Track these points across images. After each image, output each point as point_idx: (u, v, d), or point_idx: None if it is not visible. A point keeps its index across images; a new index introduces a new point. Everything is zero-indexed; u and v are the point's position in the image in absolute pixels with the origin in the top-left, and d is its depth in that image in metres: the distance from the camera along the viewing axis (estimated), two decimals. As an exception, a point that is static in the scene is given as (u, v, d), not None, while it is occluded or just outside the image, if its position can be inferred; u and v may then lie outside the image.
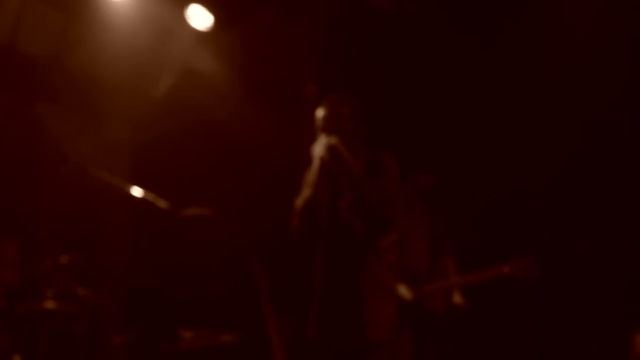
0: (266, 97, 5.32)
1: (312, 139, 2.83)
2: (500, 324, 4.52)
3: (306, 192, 2.77)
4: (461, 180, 4.55)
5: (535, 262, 3.82)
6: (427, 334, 3.89)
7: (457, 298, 4.01)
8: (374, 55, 4.87)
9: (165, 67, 5.14)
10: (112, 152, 5.15)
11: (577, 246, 4.42)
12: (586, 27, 4.23)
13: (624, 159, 4.30)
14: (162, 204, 3.92)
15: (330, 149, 2.66)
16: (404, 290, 3.85)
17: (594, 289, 4.29)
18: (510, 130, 4.55)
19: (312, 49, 5.12)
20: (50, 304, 3.80)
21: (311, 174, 2.76)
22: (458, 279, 3.96)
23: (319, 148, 2.70)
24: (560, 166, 4.47)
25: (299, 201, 2.81)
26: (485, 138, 4.64)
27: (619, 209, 4.33)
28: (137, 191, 3.89)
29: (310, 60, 5.17)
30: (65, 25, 4.62)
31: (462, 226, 4.24)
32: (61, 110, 4.89)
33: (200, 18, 4.67)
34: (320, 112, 2.83)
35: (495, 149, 4.61)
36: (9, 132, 4.69)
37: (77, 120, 4.94)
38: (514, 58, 4.49)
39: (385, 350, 2.71)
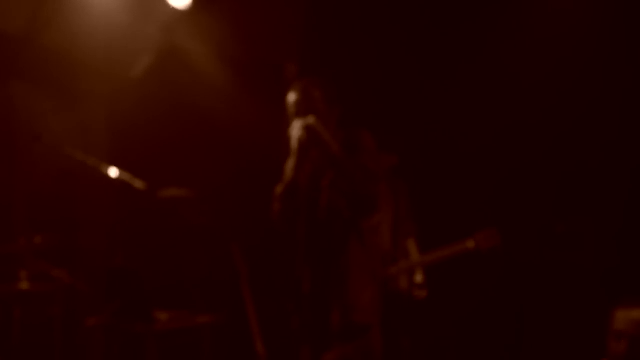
0: (246, 77, 5.26)
1: (289, 124, 2.80)
2: (477, 306, 4.54)
3: (287, 176, 2.74)
4: (425, 160, 4.53)
5: (498, 233, 3.82)
6: (395, 316, 3.88)
7: (418, 278, 3.99)
8: (356, 36, 4.83)
9: (142, 45, 5.05)
10: (87, 132, 5.07)
11: (555, 228, 4.44)
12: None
13: (602, 139, 4.31)
14: (139, 184, 3.87)
15: (306, 128, 2.63)
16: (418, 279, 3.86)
17: (572, 269, 4.32)
18: (481, 108, 4.53)
19: (292, 28, 5.07)
20: (24, 285, 3.75)
21: (290, 159, 2.72)
22: (423, 258, 3.95)
23: (295, 130, 2.67)
24: (537, 148, 4.47)
25: (280, 186, 2.78)
26: (455, 118, 4.63)
27: (596, 189, 4.35)
28: (113, 171, 3.83)
29: (291, 39, 5.12)
30: (39, 1, 4.52)
31: (427, 207, 4.22)
32: (35, 88, 4.79)
33: (178, -4, 4.59)
34: (292, 97, 2.80)
35: (467, 129, 4.60)
36: (-20, 111, 4.60)
37: (51, 98, 4.85)
38: (500, 39, 4.48)
39: (368, 334, 2.69)
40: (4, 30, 4.52)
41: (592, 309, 4.19)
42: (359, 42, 4.82)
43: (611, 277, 4.22)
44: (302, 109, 2.73)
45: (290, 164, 2.74)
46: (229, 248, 4.75)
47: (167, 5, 4.65)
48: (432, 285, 4.28)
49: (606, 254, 4.31)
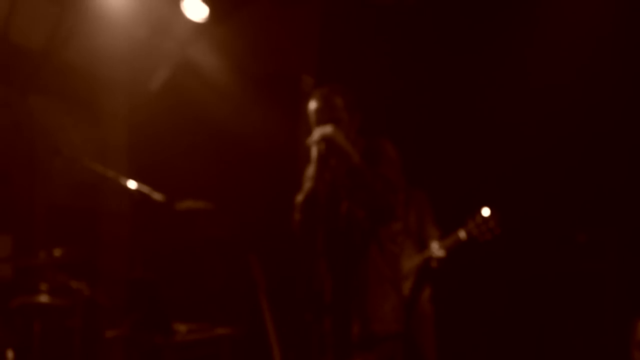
0: (263, 89, 5.29)
1: (310, 132, 2.79)
2: (497, 315, 4.49)
3: (306, 185, 2.73)
4: (443, 167, 4.49)
5: (496, 215, 3.78)
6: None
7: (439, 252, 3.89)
8: (371, 47, 4.84)
9: (160, 59, 5.11)
10: (107, 145, 5.11)
11: (576, 238, 4.39)
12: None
13: (625, 148, 4.27)
14: (157, 197, 3.88)
15: (326, 139, 2.62)
16: (435, 248, 3.79)
17: (594, 279, 4.26)
18: (502, 115, 4.50)
19: (308, 40, 5.09)
20: (44, 298, 3.77)
21: (310, 167, 2.71)
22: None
23: (315, 139, 2.66)
24: (558, 157, 4.44)
25: (300, 196, 2.77)
26: (474, 125, 4.61)
27: (617, 198, 4.30)
28: (132, 184, 3.85)
29: (307, 51, 5.14)
30: (59, 16, 4.58)
31: (445, 215, 4.17)
32: (55, 102, 4.85)
33: (195, 10, 4.63)
34: (312, 105, 2.78)
35: (488, 136, 4.57)
36: (1, 125, 4.65)
37: (71, 112, 4.90)
38: (510, 41, 4.46)
39: (390, 344, 2.66)
40: (24, 45, 4.59)
41: (614, 319, 4.14)
42: (375, 53, 4.83)
43: (633, 287, 4.16)
44: (323, 117, 2.72)
45: (309, 173, 2.73)
46: (247, 259, 4.75)
47: (185, 20, 4.70)
48: (452, 295, 4.26)
49: (628, 263, 4.25)
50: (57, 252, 3.86)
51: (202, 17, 4.66)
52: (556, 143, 4.43)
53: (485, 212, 3.82)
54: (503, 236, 3.85)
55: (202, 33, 4.93)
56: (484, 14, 4.61)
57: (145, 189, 3.94)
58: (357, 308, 2.65)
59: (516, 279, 4.42)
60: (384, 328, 2.64)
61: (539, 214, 4.45)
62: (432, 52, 4.68)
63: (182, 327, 3.67)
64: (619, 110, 4.29)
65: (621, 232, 4.28)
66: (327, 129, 2.64)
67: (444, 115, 4.69)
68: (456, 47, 4.63)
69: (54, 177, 4.66)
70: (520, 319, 4.46)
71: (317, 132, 2.66)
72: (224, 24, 4.92)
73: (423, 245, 4.01)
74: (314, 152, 2.66)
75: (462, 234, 3.83)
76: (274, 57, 5.28)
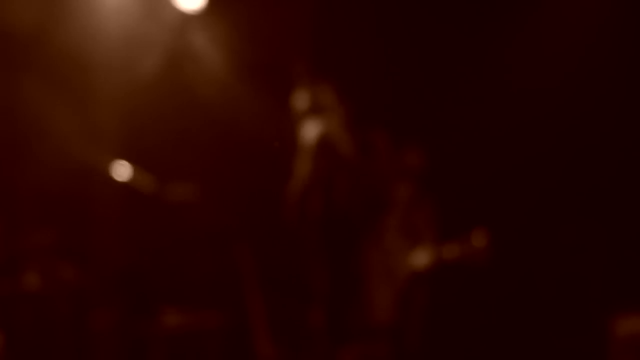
0: (256, 77, 5.26)
1: (296, 127, 2.80)
2: (481, 311, 4.50)
3: (299, 178, 2.73)
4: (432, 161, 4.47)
5: (487, 247, 3.73)
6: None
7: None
8: (366, 36, 4.82)
9: (153, 47, 5.07)
10: (98, 130, 5.07)
11: (560, 232, 4.41)
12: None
13: (610, 142, 4.29)
14: (148, 182, 3.86)
15: (319, 132, 2.63)
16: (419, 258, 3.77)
17: (577, 274, 4.29)
18: (490, 109, 4.49)
19: (303, 28, 5.06)
20: (32, 284, 3.75)
21: (302, 161, 2.71)
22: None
23: (308, 134, 2.66)
24: (544, 151, 4.45)
25: (293, 188, 2.77)
26: (463, 118, 4.59)
27: (601, 193, 4.32)
28: (122, 170, 3.82)
29: (301, 40, 5.12)
30: (49, 0, 4.53)
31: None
32: (45, 87, 4.80)
33: (190, -2, 4.60)
34: (301, 97, 2.80)
35: (475, 129, 4.56)
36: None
37: (62, 97, 4.86)
38: (506, 42, 4.45)
39: (385, 335, 2.67)
40: (14, 28, 4.53)
41: (596, 314, 4.17)
42: (370, 42, 4.81)
43: (615, 283, 4.19)
44: (312, 110, 2.72)
45: (302, 166, 2.73)
46: (237, 249, 4.75)
47: (178, 7, 4.66)
48: (441, 291, 4.25)
49: (611, 259, 4.28)
50: (45, 239, 3.85)
51: (196, 6, 4.62)
52: (542, 137, 4.44)
53: (478, 240, 3.74)
54: (492, 233, 3.85)
55: (196, 20, 4.89)
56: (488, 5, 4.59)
57: (136, 176, 3.92)
58: (351, 298, 2.66)
59: (500, 274, 4.44)
60: (380, 319, 2.65)
61: (523, 208, 4.46)
62: (429, 40, 4.66)
63: (171, 314, 3.66)
64: (608, 107, 4.31)
65: (605, 226, 4.30)
66: (321, 123, 2.66)
67: (435, 106, 4.68)
68: (453, 34, 4.61)
69: (43, 161, 4.63)
70: (503, 314, 4.47)
71: (311, 126, 2.67)
72: (218, 11, 4.88)
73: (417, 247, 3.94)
74: (307, 146, 2.66)
75: (450, 255, 3.73)
76: (268, 46, 5.25)
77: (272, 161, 5.22)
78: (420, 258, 3.88)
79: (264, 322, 4.51)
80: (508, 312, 4.46)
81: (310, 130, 2.67)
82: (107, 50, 4.90)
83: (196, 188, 5.09)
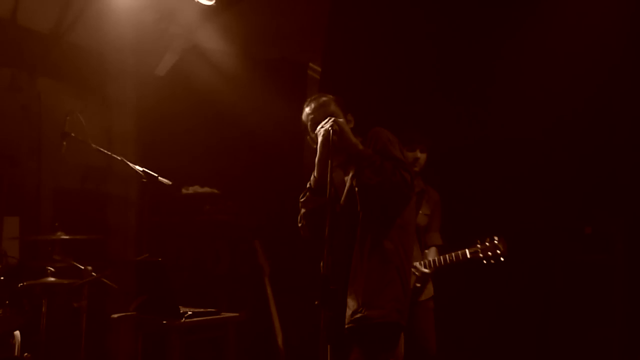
0: (270, 75, 5.28)
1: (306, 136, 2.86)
2: (502, 308, 4.48)
3: (315, 174, 2.75)
4: (447, 161, 4.46)
5: (503, 241, 3.72)
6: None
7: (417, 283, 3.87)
8: (379, 33, 4.81)
9: (168, 44, 5.10)
10: (114, 129, 5.13)
11: (583, 230, 4.37)
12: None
13: (631, 140, 4.25)
14: (164, 181, 3.89)
15: (333, 128, 2.65)
16: (420, 266, 3.78)
17: (601, 271, 4.24)
18: (507, 107, 4.47)
19: (316, 26, 5.07)
20: (51, 279, 3.79)
21: (318, 156, 2.73)
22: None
23: (321, 130, 2.68)
24: (565, 149, 4.42)
25: (309, 184, 2.79)
26: (479, 118, 4.57)
27: (624, 190, 4.29)
28: (139, 168, 3.86)
29: (314, 38, 5.13)
30: (66, 0, 4.58)
31: (450, 208, 4.15)
32: (63, 86, 4.86)
33: (203, -5, 4.62)
34: (306, 110, 2.84)
35: (493, 128, 4.54)
36: (10, 108, 4.66)
37: (79, 96, 4.91)
38: (513, 45, 4.43)
39: (387, 332, 2.66)
40: (33, 28, 4.59)
41: (623, 312, 4.13)
42: (383, 39, 4.80)
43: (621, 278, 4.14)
44: (319, 118, 2.77)
45: (317, 161, 2.74)
46: (252, 245, 4.78)
47: (193, 4, 4.69)
48: (454, 288, 4.23)
49: (634, 255, 4.23)
50: (64, 234, 3.89)
51: (210, 2, 4.65)
52: (563, 134, 4.41)
53: (495, 237, 3.75)
54: (509, 230, 3.83)
55: (210, 18, 4.92)
56: (493, 5, 4.58)
57: (153, 174, 3.95)
58: (359, 290, 2.66)
59: (523, 272, 4.41)
60: (381, 315, 2.63)
61: (545, 206, 4.43)
62: (443, 38, 4.64)
63: (188, 310, 3.68)
64: (625, 103, 4.27)
65: (628, 224, 4.26)
66: (333, 120, 2.68)
67: (449, 106, 4.66)
68: (464, 36, 4.59)
69: (61, 160, 4.68)
70: (524, 311, 4.45)
71: (326, 121, 2.69)
72: (232, 9, 4.90)
73: (423, 247, 3.93)
74: (321, 141, 2.68)
75: (466, 253, 3.74)
76: (282, 43, 5.27)
77: (287, 158, 5.24)
78: (428, 256, 3.88)
79: (277, 317, 4.53)
80: (532, 308, 4.44)
81: (324, 127, 2.70)
82: (124, 48, 4.94)
83: (211, 185, 5.13)
